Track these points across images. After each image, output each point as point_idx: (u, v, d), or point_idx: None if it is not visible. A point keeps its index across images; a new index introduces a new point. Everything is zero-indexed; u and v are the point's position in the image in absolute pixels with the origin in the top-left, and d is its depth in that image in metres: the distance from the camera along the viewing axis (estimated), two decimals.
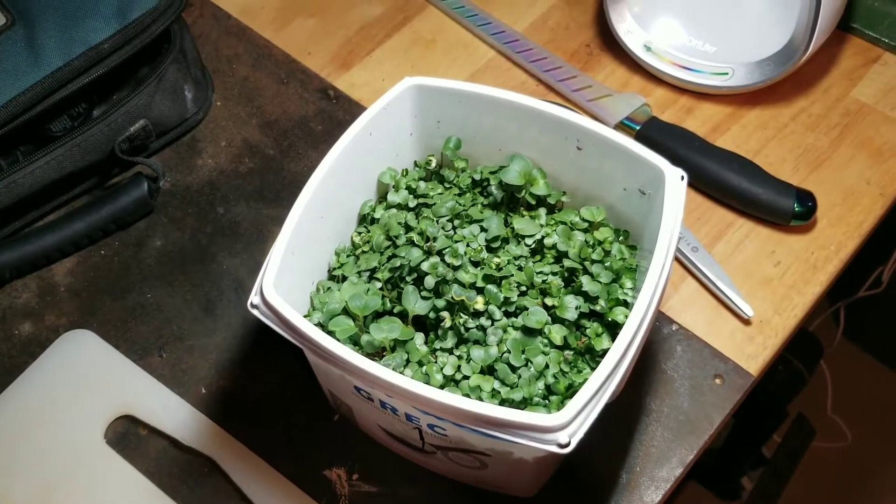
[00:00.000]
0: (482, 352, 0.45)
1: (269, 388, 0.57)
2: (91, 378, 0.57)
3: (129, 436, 0.56)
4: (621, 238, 0.53)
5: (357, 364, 0.41)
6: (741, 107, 0.70)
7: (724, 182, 0.63)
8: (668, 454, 0.54)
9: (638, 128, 0.67)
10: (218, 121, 0.71)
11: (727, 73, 0.68)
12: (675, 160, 0.64)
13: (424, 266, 0.48)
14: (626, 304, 0.49)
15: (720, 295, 0.60)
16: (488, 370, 0.46)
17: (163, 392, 0.57)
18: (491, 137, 0.53)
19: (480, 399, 0.44)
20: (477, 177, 0.55)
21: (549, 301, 0.48)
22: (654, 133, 0.66)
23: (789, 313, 0.59)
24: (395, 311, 0.49)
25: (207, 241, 0.64)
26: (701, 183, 0.64)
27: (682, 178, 0.47)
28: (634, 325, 0.42)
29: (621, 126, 0.68)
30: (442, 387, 0.45)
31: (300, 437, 0.55)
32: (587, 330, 0.48)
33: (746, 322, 0.59)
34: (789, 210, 0.61)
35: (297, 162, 0.68)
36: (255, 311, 0.44)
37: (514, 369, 0.46)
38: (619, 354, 0.41)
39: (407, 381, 0.40)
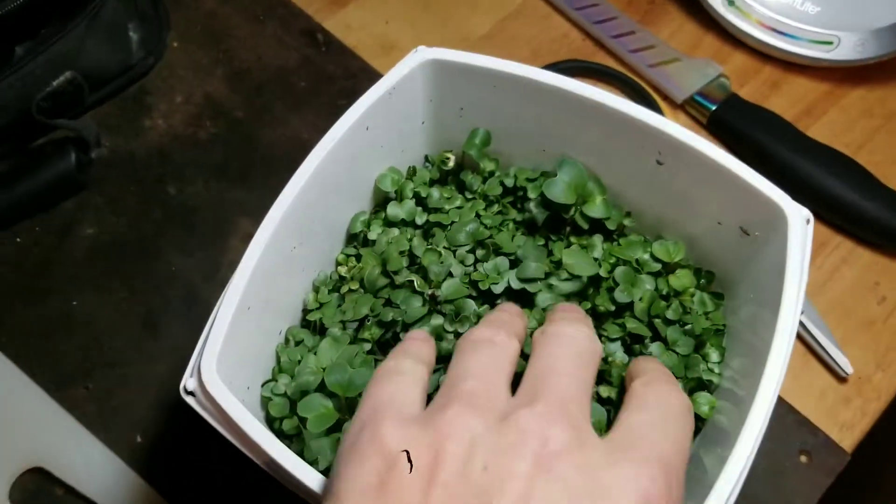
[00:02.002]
0: None
1: (227, 444, 0.44)
2: None
3: (40, 496, 0.43)
4: (703, 280, 0.39)
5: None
6: (840, 84, 0.55)
7: (823, 190, 0.49)
8: None
9: (714, 108, 0.52)
10: (174, 68, 0.55)
11: (831, 43, 0.53)
12: (759, 155, 0.50)
13: (426, 326, 0.35)
14: (709, 387, 0.36)
15: (810, 341, 0.46)
16: None
17: (86, 439, 0.44)
18: (533, 134, 0.39)
19: None
20: (509, 182, 0.40)
21: (605, 391, 0.34)
22: (733, 116, 0.51)
23: None
24: None
25: (153, 231, 0.50)
26: (790, 187, 0.49)
27: (808, 221, 0.33)
28: (745, 456, 0.29)
29: (692, 103, 0.53)
30: None
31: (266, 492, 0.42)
32: None
33: (842, 379, 0.46)
34: None
35: (272, 129, 0.53)
36: (190, 401, 0.30)
37: None
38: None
39: None
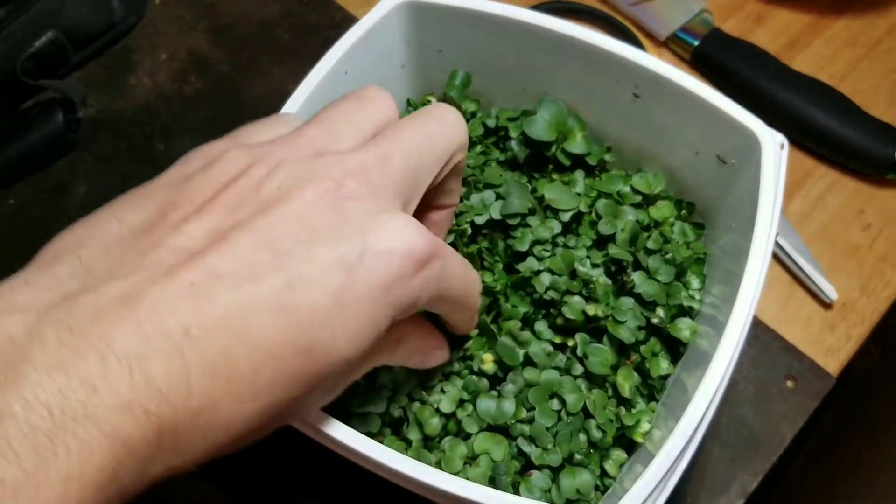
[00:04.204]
0: (492, 404, 0.33)
1: None
2: None
3: None
4: (684, 211, 0.39)
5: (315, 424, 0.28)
6: (824, 15, 0.55)
7: (807, 121, 0.49)
8: (726, 480, 0.42)
9: (696, 43, 0.52)
10: (157, 25, 0.55)
11: None
12: (744, 89, 0.50)
13: None
14: (690, 313, 0.36)
15: (795, 270, 0.47)
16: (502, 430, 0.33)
17: None
18: (513, 73, 0.39)
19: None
20: (491, 123, 0.41)
21: (591, 309, 0.35)
22: (717, 51, 0.51)
23: (879, 293, 0.47)
24: None
25: None
26: (776, 119, 0.49)
27: (783, 146, 0.34)
28: (717, 380, 0.29)
29: (675, 39, 0.53)
30: (440, 439, 0.33)
31: (281, 472, 0.44)
32: (640, 347, 0.35)
33: (827, 305, 0.47)
34: (888, 159, 0.48)
35: (258, 82, 0.54)
36: None
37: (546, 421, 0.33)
38: (692, 430, 0.29)
39: (379, 452, 0.28)
